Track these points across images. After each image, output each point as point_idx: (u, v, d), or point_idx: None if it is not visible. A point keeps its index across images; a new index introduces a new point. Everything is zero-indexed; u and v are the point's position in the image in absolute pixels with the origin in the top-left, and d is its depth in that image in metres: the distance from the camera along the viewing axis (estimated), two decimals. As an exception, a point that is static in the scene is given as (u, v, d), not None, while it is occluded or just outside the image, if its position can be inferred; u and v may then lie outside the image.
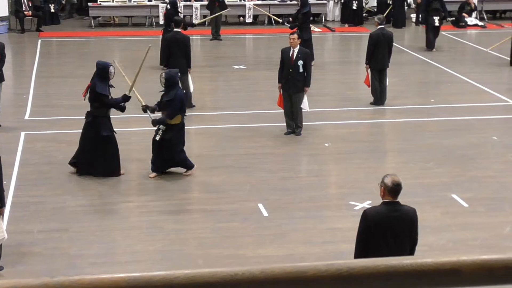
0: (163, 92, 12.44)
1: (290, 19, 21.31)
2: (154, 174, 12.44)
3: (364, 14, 29.01)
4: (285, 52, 14.63)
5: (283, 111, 14.65)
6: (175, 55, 16.28)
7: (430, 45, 23.13)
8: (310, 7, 20.74)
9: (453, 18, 23.22)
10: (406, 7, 28.00)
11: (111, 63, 12.64)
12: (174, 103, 12.07)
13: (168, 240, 10.26)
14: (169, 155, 12.34)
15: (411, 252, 7.43)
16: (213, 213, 11.12)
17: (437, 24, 22.88)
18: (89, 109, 12.45)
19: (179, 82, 12.36)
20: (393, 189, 7.22)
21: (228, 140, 14.37)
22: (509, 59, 21.44)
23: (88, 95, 12.39)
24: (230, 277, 1.66)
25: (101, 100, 12.19)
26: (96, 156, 12.28)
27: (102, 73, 12.31)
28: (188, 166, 12.54)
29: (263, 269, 1.68)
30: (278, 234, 10.43)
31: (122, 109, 12.64)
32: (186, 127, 15.40)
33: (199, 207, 11.44)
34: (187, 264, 9.54)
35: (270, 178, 12.45)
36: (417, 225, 7.40)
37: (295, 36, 14.55)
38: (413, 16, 29.11)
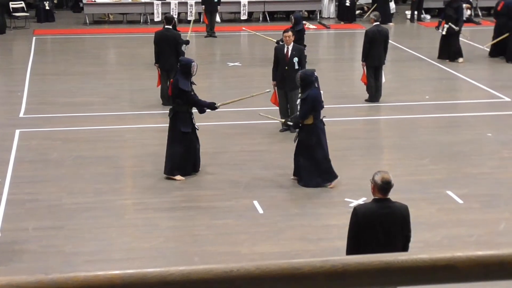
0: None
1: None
2: (294, 177, 12.10)
3: (357, 12, 29.04)
4: (279, 50, 14.62)
5: (277, 108, 14.64)
6: (165, 52, 16.26)
7: (441, 55, 21.25)
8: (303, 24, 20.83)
9: (457, 28, 21.36)
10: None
11: (194, 60, 12.53)
12: (306, 103, 11.67)
13: (163, 237, 10.25)
14: (308, 157, 11.79)
15: (404, 249, 7.43)
16: (208, 210, 11.12)
17: (442, 32, 21.16)
18: (170, 106, 12.39)
19: (316, 82, 11.81)
20: (382, 187, 7.25)
21: (223, 137, 14.36)
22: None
23: (171, 91, 12.25)
24: (225, 273, 1.66)
25: (184, 96, 12.01)
26: (181, 152, 12.15)
27: (185, 69, 12.12)
28: (330, 177, 11.91)
29: (258, 265, 1.68)
30: (273, 231, 10.43)
31: (202, 111, 12.45)
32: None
33: (194, 204, 11.43)
34: (182, 261, 9.54)
35: (266, 175, 12.44)
36: (409, 222, 7.41)
37: (290, 33, 14.53)
38: (408, 12, 29.15)
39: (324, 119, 11.94)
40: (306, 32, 20.56)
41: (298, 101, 14.36)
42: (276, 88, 14.57)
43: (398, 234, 7.35)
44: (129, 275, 1.64)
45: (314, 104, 11.66)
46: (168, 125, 12.43)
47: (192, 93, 12.18)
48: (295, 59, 14.36)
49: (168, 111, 12.44)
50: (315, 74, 11.87)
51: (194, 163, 12.40)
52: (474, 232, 10.43)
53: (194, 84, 12.35)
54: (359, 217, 7.35)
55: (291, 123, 12.33)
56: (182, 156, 12.18)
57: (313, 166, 11.80)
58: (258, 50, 23.58)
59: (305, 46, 20.91)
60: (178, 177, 12.16)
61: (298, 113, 12.17)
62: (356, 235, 7.37)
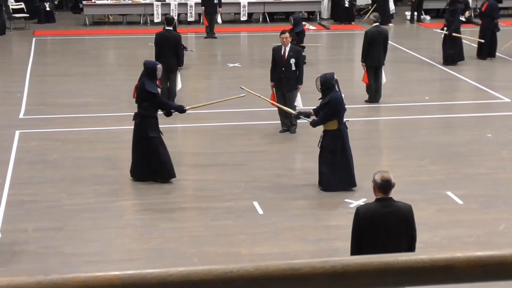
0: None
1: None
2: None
3: (362, 13, 29.08)
4: (276, 51, 14.63)
5: (276, 109, 14.64)
6: (165, 53, 16.27)
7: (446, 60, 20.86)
8: (303, 26, 20.86)
9: (446, 33, 20.95)
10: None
11: (158, 62, 12.43)
12: (327, 107, 11.44)
13: (162, 238, 10.25)
14: (332, 163, 11.58)
15: (410, 249, 7.41)
16: (207, 211, 11.12)
17: (438, 31, 21.27)
18: (136, 111, 12.14)
19: (336, 84, 11.63)
20: (382, 186, 7.26)
21: (222, 138, 14.36)
22: (505, 56, 21.52)
23: (136, 95, 12.09)
24: (224, 274, 1.66)
25: (152, 99, 11.86)
26: (145, 158, 12.00)
27: (150, 72, 11.99)
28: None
29: (257, 266, 1.68)
30: (272, 232, 10.43)
31: (169, 114, 12.38)
32: (182, 125, 15.43)
33: (193, 205, 11.43)
34: (181, 262, 9.54)
35: (265, 176, 12.44)
36: (413, 222, 7.40)
37: (287, 34, 14.53)
38: (408, 13, 29.16)
39: (346, 122, 11.74)
40: (306, 33, 20.62)
41: (299, 101, 14.36)
42: (274, 89, 14.57)
43: (402, 233, 7.34)
44: (128, 276, 1.64)
45: (337, 108, 11.45)
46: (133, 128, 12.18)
47: (159, 95, 12.05)
48: (292, 60, 14.36)
49: (133, 115, 12.18)
50: (335, 76, 11.67)
51: (167, 168, 12.10)
52: (474, 232, 10.43)
53: (159, 87, 12.26)
54: (360, 217, 7.36)
55: (307, 119, 11.98)
56: (155, 160, 11.99)
57: (337, 172, 11.60)
58: (258, 51, 23.58)
59: (303, 47, 20.96)
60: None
61: (310, 111, 11.96)
62: (359, 235, 7.37)
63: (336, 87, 11.61)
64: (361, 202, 11.31)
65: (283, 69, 14.34)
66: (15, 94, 17.66)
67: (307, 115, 12.03)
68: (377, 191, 7.33)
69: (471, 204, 11.36)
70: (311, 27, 26.58)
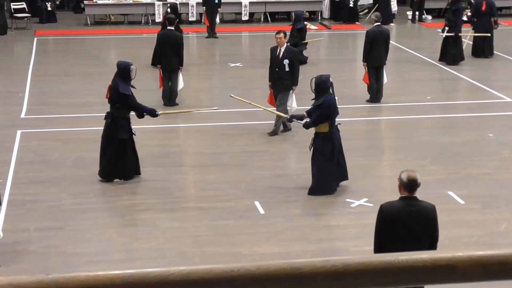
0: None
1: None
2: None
3: (363, 12, 29.06)
4: (273, 51, 14.63)
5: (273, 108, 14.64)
6: (167, 53, 16.28)
7: (449, 60, 20.70)
8: (304, 22, 20.89)
9: (452, 34, 20.85)
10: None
11: (132, 63, 12.36)
12: (321, 108, 11.35)
13: (163, 238, 10.25)
14: (322, 166, 11.50)
15: (431, 248, 7.38)
16: (208, 211, 11.11)
17: (442, 34, 20.87)
18: (108, 110, 12.12)
19: (331, 87, 11.53)
20: (408, 185, 7.31)
21: (223, 138, 14.36)
22: (504, 55, 21.50)
23: (109, 95, 12.05)
24: (225, 273, 1.66)
25: (125, 100, 11.82)
26: (113, 158, 12.01)
27: (124, 73, 11.95)
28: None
29: (258, 265, 1.68)
30: (273, 232, 10.43)
31: (141, 116, 12.30)
32: (182, 125, 15.43)
33: (194, 205, 11.43)
34: (182, 262, 9.54)
35: (266, 176, 12.44)
36: (436, 222, 7.41)
37: (281, 35, 14.49)
38: (409, 13, 29.14)
39: (338, 125, 11.73)
40: (307, 32, 20.62)
41: (293, 102, 14.32)
42: (272, 89, 14.57)
43: (424, 233, 7.35)
44: (129, 275, 1.64)
45: (330, 111, 11.37)
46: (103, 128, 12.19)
47: (132, 97, 11.93)
48: (286, 61, 14.34)
49: (105, 115, 12.14)
50: (330, 79, 11.60)
51: (135, 166, 12.20)
52: (475, 232, 10.42)
53: (134, 88, 12.15)
54: (384, 214, 7.38)
55: (300, 122, 11.95)
56: (121, 160, 11.99)
57: (326, 175, 11.54)
58: (259, 51, 23.58)
59: (306, 43, 20.94)
60: (116, 180, 12.06)
61: (302, 114, 11.95)
62: (382, 233, 7.38)
63: (331, 90, 11.52)
64: (362, 201, 11.32)
65: (277, 69, 14.34)
66: (17, 94, 17.67)
67: (300, 117, 11.96)
68: (402, 190, 7.37)
69: (473, 204, 11.35)
70: (313, 27, 26.56)
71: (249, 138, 14.33)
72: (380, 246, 7.38)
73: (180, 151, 13.91)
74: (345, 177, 11.82)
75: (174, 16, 17.75)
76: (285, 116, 12.98)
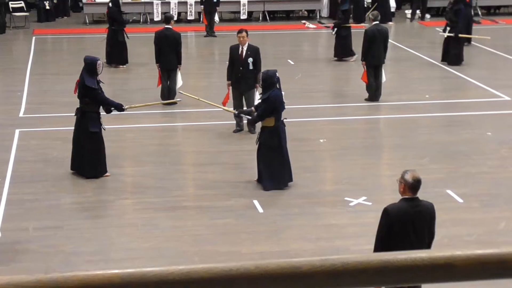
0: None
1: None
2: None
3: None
4: (233, 50, 14.60)
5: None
6: (165, 52, 16.29)
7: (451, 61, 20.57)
8: (350, 4, 20.78)
9: (452, 35, 20.68)
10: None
11: (99, 58, 12.48)
12: (267, 103, 11.46)
13: (163, 237, 10.25)
14: (269, 160, 11.57)
15: (429, 247, 7.41)
16: (208, 209, 11.12)
17: (443, 34, 20.75)
18: (78, 106, 12.29)
19: (278, 82, 11.58)
20: (414, 185, 7.29)
21: (222, 137, 14.35)
22: (504, 54, 21.51)
23: (78, 90, 12.23)
24: (224, 272, 1.66)
25: (92, 94, 11.97)
26: (83, 153, 12.14)
27: (90, 67, 12.05)
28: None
29: (258, 264, 1.67)
30: (273, 231, 10.43)
31: (109, 111, 12.40)
32: (181, 124, 15.43)
33: (194, 203, 11.43)
34: (182, 261, 9.54)
35: (265, 174, 12.42)
36: (435, 220, 7.43)
37: (244, 34, 14.50)
38: (408, 12, 29.12)
39: (285, 120, 11.79)
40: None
41: (258, 100, 14.30)
42: (231, 88, 14.53)
43: (426, 232, 7.38)
44: (128, 274, 1.64)
45: (275, 105, 11.47)
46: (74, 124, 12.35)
47: (100, 91, 12.09)
48: (250, 59, 14.34)
49: (75, 111, 12.32)
50: (277, 74, 11.67)
51: (99, 164, 12.27)
52: (474, 231, 10.43)
53: (102, 82, 12.29)
54: (392, 217, 7.29)
55: (248, 117, 12.04)
56: (96, 155, 12.14)
57: (274, 169, 11.60)
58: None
59: (350, 27, 20.79)
60: (107, 174, 12.23)
61: (251, 109, 11.99)
62: (387, 235, 7.32)
63: (278, 85, 11.60)
64: (361, 200, 11.33)
65: (241, 68, 14.32)
66: (15, 92, 17.67)
67: (248, 113, 12.13)
68: (406, 191, 7.32)
69: (472, 203, 11.36)
70: (311, 26, 26.56)
71: (247, 136, 14.32)
72: (383, 247, 7.33)
73: (180, 150, 13.91)
74: (290, 178, 11.82)
75: (171, 14, 17.74)
76: (233, 111, 13.00)
